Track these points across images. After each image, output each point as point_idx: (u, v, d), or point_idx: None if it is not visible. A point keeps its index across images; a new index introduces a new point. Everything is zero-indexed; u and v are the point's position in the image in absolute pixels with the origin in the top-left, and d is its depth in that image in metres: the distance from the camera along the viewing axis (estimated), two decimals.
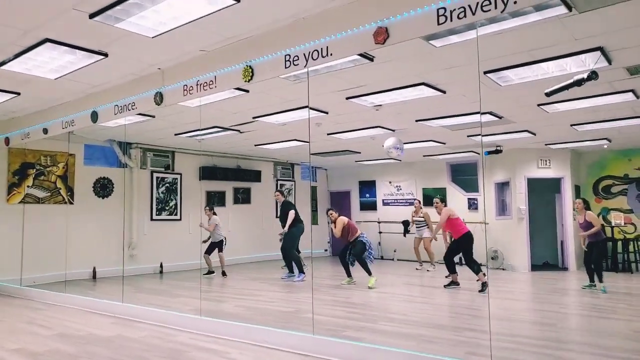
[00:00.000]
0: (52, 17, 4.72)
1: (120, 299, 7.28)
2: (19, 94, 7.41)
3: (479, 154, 12.79)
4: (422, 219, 12.14)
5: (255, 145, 12.09)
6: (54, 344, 5.39)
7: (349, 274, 9.68)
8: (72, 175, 10.75)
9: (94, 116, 7.46)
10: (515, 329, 5.92)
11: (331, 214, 9.78)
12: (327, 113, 8.38)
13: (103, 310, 7.22)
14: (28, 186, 10.06)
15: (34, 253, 9.79)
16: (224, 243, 11.16)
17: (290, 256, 10.33)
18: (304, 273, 10.15)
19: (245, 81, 5.39)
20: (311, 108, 7.95)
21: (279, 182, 15.32)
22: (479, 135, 10.17)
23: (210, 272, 11.14)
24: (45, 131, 8.49)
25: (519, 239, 11.99)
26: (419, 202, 12.66)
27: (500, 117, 8.58)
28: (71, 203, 10.64)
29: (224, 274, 11.08)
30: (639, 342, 5.22)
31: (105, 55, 5.73)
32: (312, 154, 13.21)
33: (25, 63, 5.99)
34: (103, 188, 11.27)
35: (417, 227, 12.33)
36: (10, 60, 5.89)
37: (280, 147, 12.25)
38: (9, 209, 9.84)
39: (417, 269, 12.16)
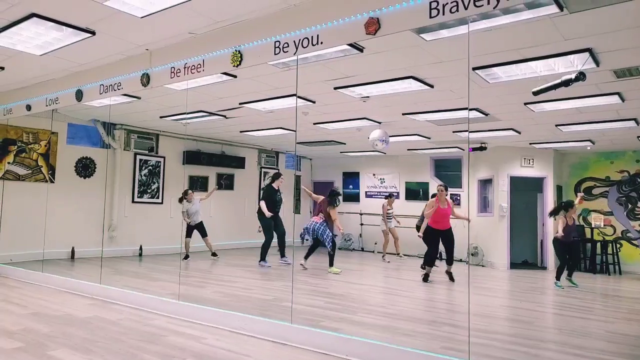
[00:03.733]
0: None
1: (98, 280, 7.22)
2: (2, 68, 7.29)
3: (463, 150, 12.85)
4: (392, 210, 12.59)
5: (241, 132, 12.01)
6: (28, 323, 5.33)
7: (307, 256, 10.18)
8: (54, 154, 10.60)
9: (79, 95, 7.36)
10: (492, 325, 5.97)
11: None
12: (314, 102, 8.35)
13: (80, 291, 7.16)
14: (9, 162, 9.89)
15: (12, 230, 9.66)
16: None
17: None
18: (285, 257, 10.33)
19: (234, 66, 5.35)
20: (299, 97, 7.91)
21: (263, 170, 15.27)
22: (465, 131, 10.19)
23: (186, 256, 11.11)
24: (28, 108, 8.37)
25: (499, 236, 12.09)
26: (391, 195, 13.07)
27: (486, 114, 8.61)
28: (52, 182, 10.50)
29: (214, 254, 11.27)
30: (613, 342, 5.30)
31: (93, 33, 5.63)
32: (297, 143, 13.17)
33: (10, 37, 5.88)
34: (85, 168, 11.13)
35: (388, 219, 12.64)
36: None
37: (265, 135, 12.19)
38: None
39: (388, 261, 12.30)
